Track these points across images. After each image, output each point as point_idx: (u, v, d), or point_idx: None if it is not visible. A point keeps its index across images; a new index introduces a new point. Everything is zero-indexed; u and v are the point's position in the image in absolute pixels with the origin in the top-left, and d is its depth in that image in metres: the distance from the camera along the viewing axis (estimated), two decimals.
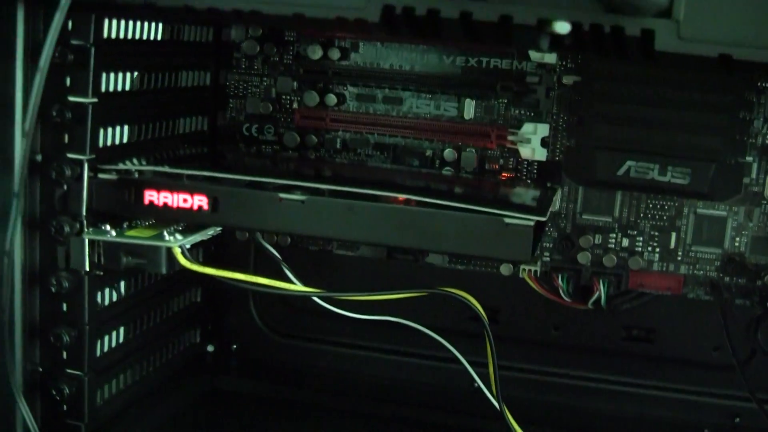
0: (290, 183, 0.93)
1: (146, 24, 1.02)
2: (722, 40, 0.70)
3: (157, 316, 1.13)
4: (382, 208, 0.90)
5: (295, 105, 1.18)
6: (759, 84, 1.04)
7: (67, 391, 0.96)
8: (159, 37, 1.06)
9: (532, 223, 0.87)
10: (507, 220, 0.87)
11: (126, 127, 1.00)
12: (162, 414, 1.14)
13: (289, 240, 1.16)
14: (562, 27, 0.72)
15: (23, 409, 0.87)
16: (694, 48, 0.70)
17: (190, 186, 0.93)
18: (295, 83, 1.17)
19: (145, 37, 1.02)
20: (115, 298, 1.02)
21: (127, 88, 1.00)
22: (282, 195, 0.91)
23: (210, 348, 1.29)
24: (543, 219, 0.87)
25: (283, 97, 1.18)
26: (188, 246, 0.94)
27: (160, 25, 1.05)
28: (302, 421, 1.22)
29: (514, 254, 0.89)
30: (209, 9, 0.77)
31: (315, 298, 1.00)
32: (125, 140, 1.00)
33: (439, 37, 0.78)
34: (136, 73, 1.01)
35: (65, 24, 0.88)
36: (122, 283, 1.04)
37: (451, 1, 0.72)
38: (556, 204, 1.10)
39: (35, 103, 0.76)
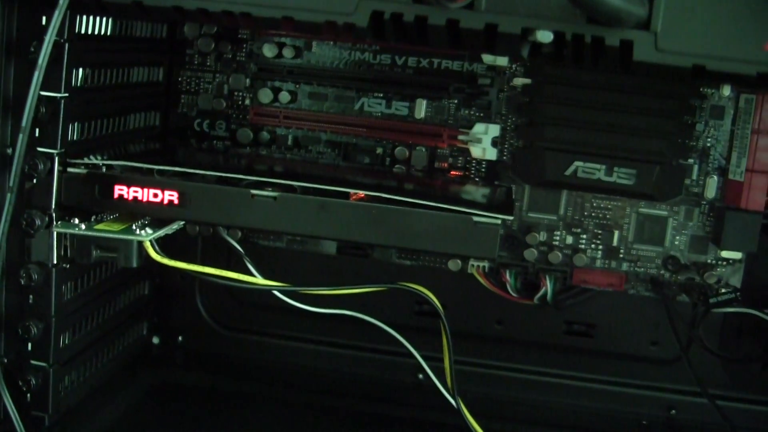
0: (263, 180, 0.95)
1: (108, 20, 1.02)
2: (697, 52, 0.74)
3: (111, 309, 1.14)
4: (354, 206, 0.93)
5: (247, 102, 1.19)
6: (701, 90, 1.09)
7: (33, 382, 0.97)
8: (119, 33, 1.06)
9: (499, 222, 0.90)
10: (475, 219, 0.90)
11: (86, 123, 1.00)
12: (117, 405, 1.14)
13: (240, 233, 1.16)
14: (545, 36, 0.75)
15: (6, 400, 0.88)
16: (671, 59, 0.74)
17: (161, 181, 0.94)
18: (248, 80, 1.19)
19: (110, 33, 1.03)
20: (78, 291, 1.03)
21: (91, 83, 1.00)
22: (254, 191, 0.93)
23: (155, 340, 1.30)
24: (510, 218, 0.91)
25: (236, 93, 1.19)
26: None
27: (123, 22, 1.06)
28: (245, 412, 1.22)
29: (482, 251, 0.92)
30: (199, 9, 0.79)
31: (275, 292, 1.01)
32: (87, 135, 1.01)
33: (426, 43, 0.81)
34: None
35: (40, 19, 0.88)
36: (84, 276, 1.05)
37: (438, 8, 0.75)
38: None
39: (33, 99, 0.77)
